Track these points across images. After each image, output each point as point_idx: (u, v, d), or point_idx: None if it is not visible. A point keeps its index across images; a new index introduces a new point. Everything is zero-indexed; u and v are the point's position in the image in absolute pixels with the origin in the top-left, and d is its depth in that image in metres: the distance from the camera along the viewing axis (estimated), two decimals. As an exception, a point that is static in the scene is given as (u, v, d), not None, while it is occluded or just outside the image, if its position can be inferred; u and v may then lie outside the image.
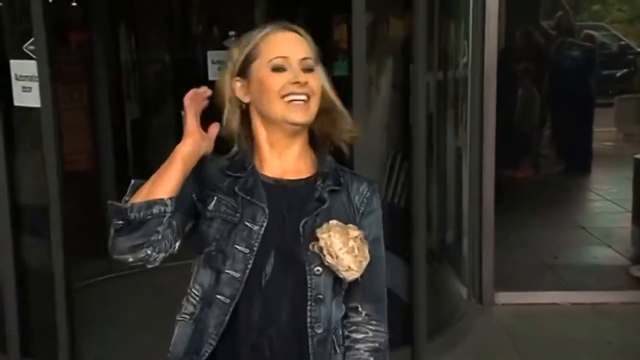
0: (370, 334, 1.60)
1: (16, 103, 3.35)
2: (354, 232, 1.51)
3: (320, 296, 1.52)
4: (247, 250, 1.50)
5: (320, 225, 1.51)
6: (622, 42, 10.14)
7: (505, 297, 4.41)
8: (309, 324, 1.52)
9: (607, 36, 9.96)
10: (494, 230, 4.35)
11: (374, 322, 1.61)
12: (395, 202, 3.71)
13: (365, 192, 1.61)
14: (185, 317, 1.58)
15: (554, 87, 7.01)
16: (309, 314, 1.52)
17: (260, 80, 1.54)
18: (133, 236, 1.43)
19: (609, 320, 4.18)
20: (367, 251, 1.52)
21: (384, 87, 3.80)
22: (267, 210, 1.52)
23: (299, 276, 1.51)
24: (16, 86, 3.32)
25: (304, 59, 1.55)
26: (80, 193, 4.61)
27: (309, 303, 1.51)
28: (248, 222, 1.51)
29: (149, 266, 1.50)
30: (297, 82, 1.52)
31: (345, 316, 1.60)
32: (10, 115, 3.43)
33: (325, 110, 1.57)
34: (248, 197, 1.53)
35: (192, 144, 1.48)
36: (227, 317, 1.51)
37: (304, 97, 1.52)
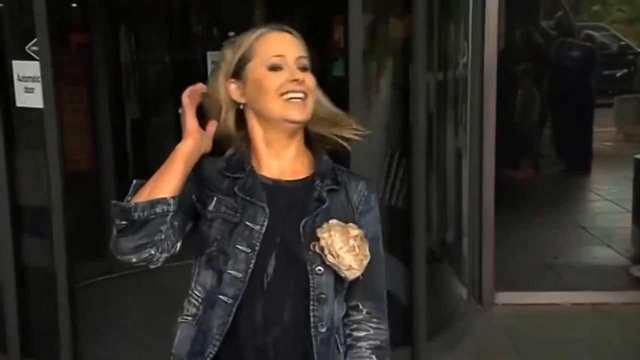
0: (372, 331, 1.60)
1: (18, 104, 3.34)
2: (354, 231, 1.51)
3: (323, 296, 1.52)
4: (249, 250, 1.50)
5: (320, 225, 1.51)
6: (622, 43, 10.11)
7: (505, 297, 4.41)
8: (312, 324, 1.52)
9: (607, 36, 9.94)
10: (494, 230, 4.35)
11: (374, 320, 1.61)
12: (395, 202, 3.71)
13: (363, 191, 1.61)
14: (187, 319, 1.57)
15: (554, 87, 6.99)
16: (312, 313, 1.52)
17: (257, 80, 1.55)
18: (136, 236, 1.43)
19: (609, 321, 4.18)
20: (367, 249, 1.52)
21: (383, 87, 3.80)
22: (267, 210, 1.52)
23: (300, 276, 1.51)
24: (18, 87, 3.31)
25: (300, 57, 1.56)
26: (81, 193, 4.61)
27: (311, 303, 1.51)
28: (249, 222, 1.51)
29: (152, 266, 1.50)
30: (295, 80, 1.52)
31: (346, 315, 1.60)
32: (10, 115, 3.43)
33: (321, 113, 1.58)
34: (248, 198, 1.53)
35: (193, 143, 1.48)
36: (231, 318, 1.51)
37: (301, 95, 1.53)
